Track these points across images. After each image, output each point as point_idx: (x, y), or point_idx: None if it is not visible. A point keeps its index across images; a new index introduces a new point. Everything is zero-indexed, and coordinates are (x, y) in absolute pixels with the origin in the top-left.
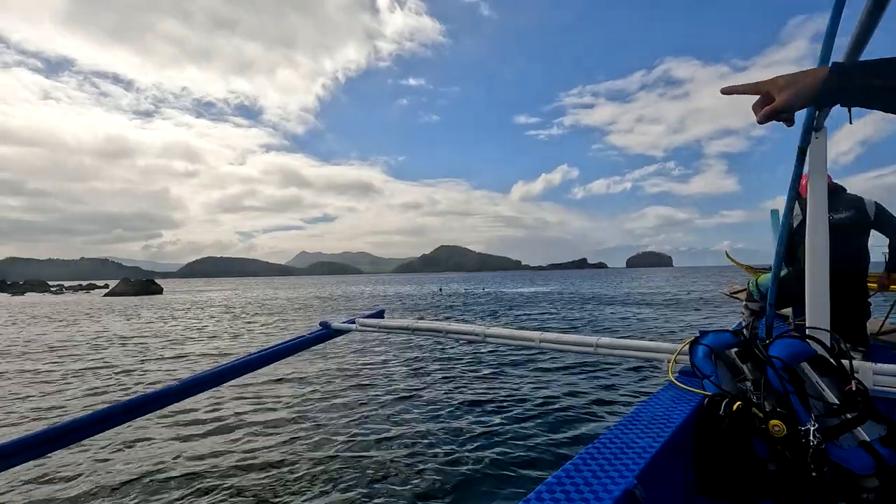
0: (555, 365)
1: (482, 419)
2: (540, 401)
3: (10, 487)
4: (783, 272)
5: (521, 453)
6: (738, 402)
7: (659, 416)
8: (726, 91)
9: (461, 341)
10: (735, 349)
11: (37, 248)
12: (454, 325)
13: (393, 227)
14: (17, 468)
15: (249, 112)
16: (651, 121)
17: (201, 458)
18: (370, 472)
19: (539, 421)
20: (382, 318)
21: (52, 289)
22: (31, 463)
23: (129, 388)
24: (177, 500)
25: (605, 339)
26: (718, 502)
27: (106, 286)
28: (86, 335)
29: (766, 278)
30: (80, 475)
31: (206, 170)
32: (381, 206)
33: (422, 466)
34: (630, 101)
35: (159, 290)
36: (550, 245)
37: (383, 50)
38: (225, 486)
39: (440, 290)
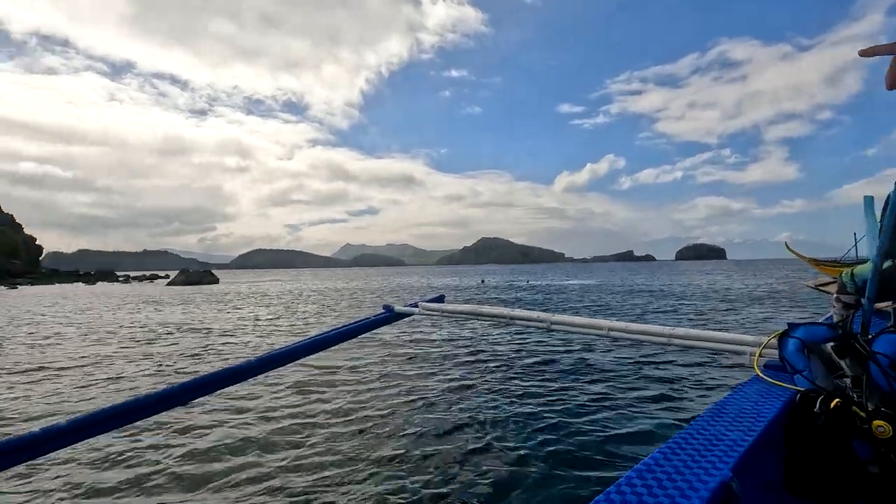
0: (620, 356)
1: (545, 410)
2: (604, 392)
3: (63, 469)
4: (886, 264)
5: (588, 446)
6: (837, 400)
7: (747, 409)
8: (866, 53)
9: (525, 328)
10: (831, 343)
11: (105, 241)
12: (518, 311)
13: (436, 219)
14: (73, 447)
15: (296, 108)
16: (704, 106)
17: (259, 442)
18: (434, 461)
19: (604, 413)
20: (443, 302)
21: (119, 278)
22: (81, 447)
23: (196, 371)
24: (240, 484)
25: (681, 330)
26: (811, 502)
27: (167, 276)
28: (157, 321)
29: (862, 270)
30: (134, 459)
31: (256, 165)
32: (423, 199)
33: (489, 459)
34: (681, 86)
35: (216, 281)
36: (595, 237)
37: (425, 42)
38: (286, 469)
39: (482, 281)
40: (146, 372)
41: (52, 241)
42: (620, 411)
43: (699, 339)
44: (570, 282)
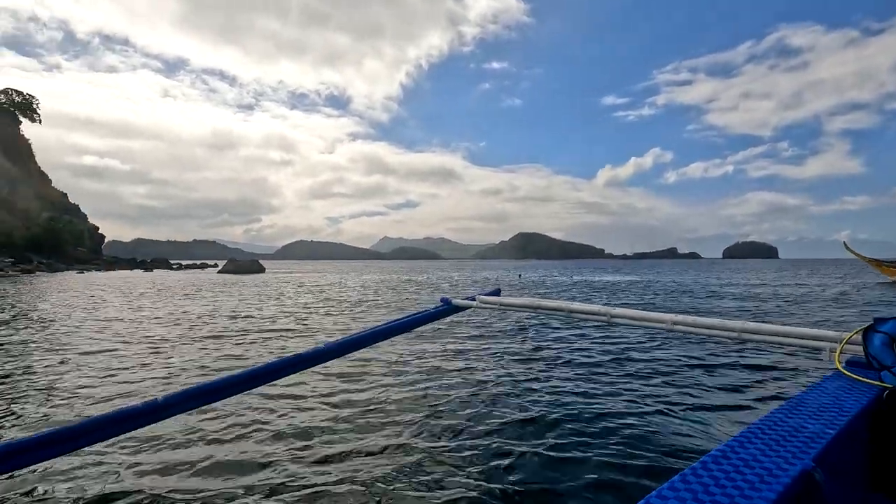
0: (684, 351)
1: (603, 406)
2: (666, 389)
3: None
4: None
5: (651, 443)
6: None
7: (828, 404)
8: None
9: (585, 321)
10: None
11: (158, 231)
12: (577, 305)
13: (473, 213)
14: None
15: (338, 102)
16: (760, 96)
17: (310, 433)
18: (484, 457)
19: (667, 407)
20: (500, 296)
21: (173, 266)
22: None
23: (252, 355)
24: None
25: (753, 324)
26: None
27: (215, 265)
28: (215, 305)
29: None
30: (186, 446)
31: (299, 159)
32: (461, 193)
33: (544, 456)
34: (734, 75)
35: (262, 270)
36: (637, 233)
37: (467, 35)
38: (336, 468)
39: (520, 276)
40: (211, 356)
41: (111, 230)
42: (685, 409)
43: (773, 334)
44: (613, 278)
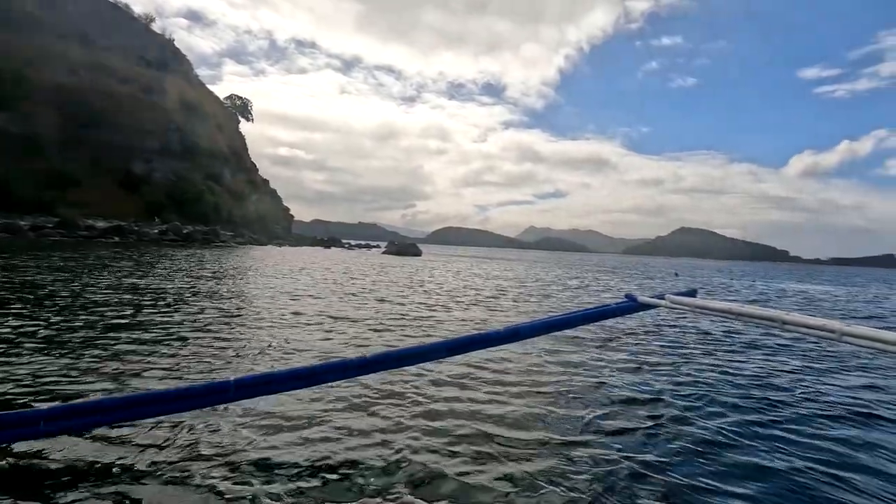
0: None
1: (825, 456)
2: None
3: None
4: None
5: None
6: None
7: None
8: None
9: (805, 336)
10: None
11: (331, 213)
12: (797, 316)
13: (627, 205)
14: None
15: (493, 90)
16: None
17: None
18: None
19: None
20: (695, 297)
21: (344, 245)
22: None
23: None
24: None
25: None
26: None
27: (378, 246)
28: (395, 282)
29: None
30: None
31: (453, 147)
32: (615, 183)
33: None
34: None
35: (419, 253)
36: (836, 235)
37: (634, 10)
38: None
39: (676, 275)
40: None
41: (295, 211)
42: None
43: None
44: (797, 286)
